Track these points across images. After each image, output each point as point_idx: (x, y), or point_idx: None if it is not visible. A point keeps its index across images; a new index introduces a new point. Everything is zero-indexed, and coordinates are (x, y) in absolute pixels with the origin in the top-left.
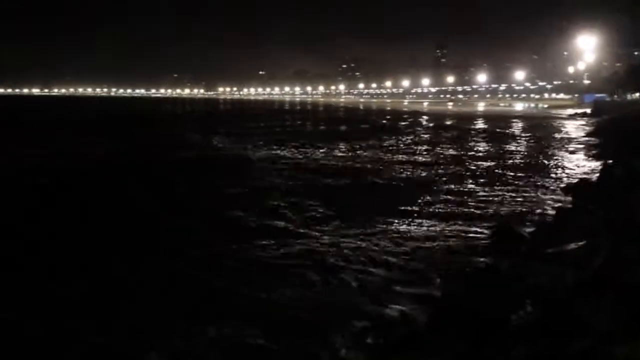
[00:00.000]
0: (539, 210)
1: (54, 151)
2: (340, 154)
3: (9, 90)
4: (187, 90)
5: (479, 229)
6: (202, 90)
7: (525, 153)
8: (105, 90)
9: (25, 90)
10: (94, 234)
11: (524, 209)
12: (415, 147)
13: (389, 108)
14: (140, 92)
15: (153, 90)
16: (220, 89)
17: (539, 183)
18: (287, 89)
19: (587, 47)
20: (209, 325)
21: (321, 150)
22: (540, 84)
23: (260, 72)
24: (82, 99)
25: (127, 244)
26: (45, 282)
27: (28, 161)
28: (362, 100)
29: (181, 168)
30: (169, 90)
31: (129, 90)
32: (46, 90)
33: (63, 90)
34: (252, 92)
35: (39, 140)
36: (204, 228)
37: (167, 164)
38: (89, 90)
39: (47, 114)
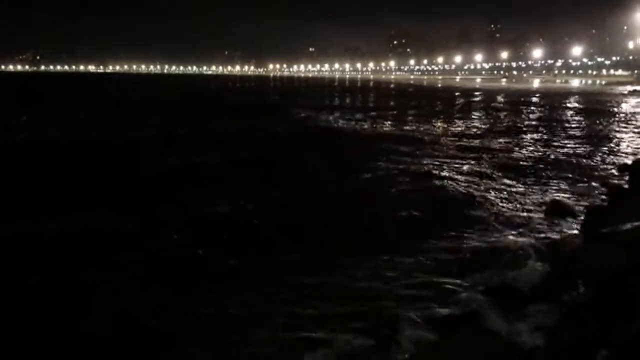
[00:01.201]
0: (593, 189)
1: None
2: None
3: (66, 68)
4: (237, 68)
5: (531, 206)
6: (252, 67)
7: (581, 130)
8: (158, 67)
9: (82, 68)
10: None
11: (578, 187)
12: (468, 126)
13: (440, 85)
14: (193, 69)
15: (204, 68)
16: (270, 66)
17: (594, 161)
18: (337, 66)
19: None
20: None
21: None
22: (599, 59)
23: (310, 49)
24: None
25: None
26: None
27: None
28: (412, 77)
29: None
30: (220, 68)
31: (181, 68)
32: (101, 68)
33: (117, 68)
34: (302, 69)
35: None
36: None
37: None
38: (143, 67)
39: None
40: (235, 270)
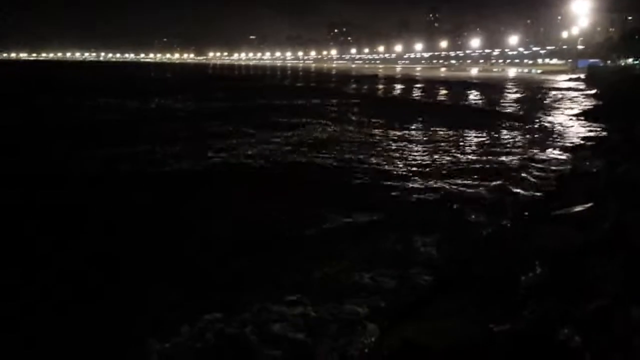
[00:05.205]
0: (541, 174)
1: None
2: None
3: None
4: (176, 55)
5: (480, 192)
6: (191, 55)
7: (521, 117)
8: (94, 54)
9: (13, 55)
10: None
11: (526, 173)
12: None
13: (380, 73)
14: (130, 56)
15: (142, 55)
16: (211, 54)
17: (538, 149)
18: (278, 54)
19: (580, 12)
20: None
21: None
22: (534, 49)
23: (251, 37)
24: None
25: None
26: None
27: None
28: (353, 65)
29: None
30: (159, 55)
31: (117, 55)
32: (34, 55)
33: (52, 55)
34: (243, 57)
35: None
36: None
37: None
38: (78, 54)
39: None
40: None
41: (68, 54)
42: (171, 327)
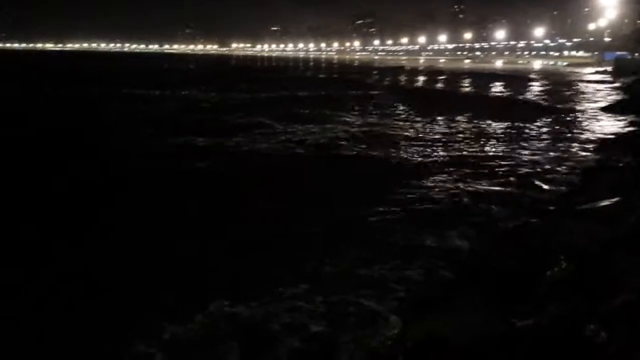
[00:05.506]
0: (565, 168)
1: None
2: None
3: (23, 45)
4: (199, 46)
5: (503, 185)
6: (215, 46)
7: (546, 110)
8: (118, 45)
9: (39, 46)
10: None
11: (550, 167)
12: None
13: (404, 64)
14: (154, 47)
15: (166, 46)
16: (234, 45)
17: (562, 141)
18: (300, 45)
19: (608, 3)
20: None
21: None
22: (560, 41)
23: (274, 28)
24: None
25: None
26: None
27: None
28: (376, 57)
29: None
30: (182, 46)
31: (142, 46)
32: (60, 46)
33: (77, 46)
34: (266, 48)
35: None
36: None
37: None
38: (102, 45)
39: None
40: None
41: (93, 45)
42: (185, 316)
